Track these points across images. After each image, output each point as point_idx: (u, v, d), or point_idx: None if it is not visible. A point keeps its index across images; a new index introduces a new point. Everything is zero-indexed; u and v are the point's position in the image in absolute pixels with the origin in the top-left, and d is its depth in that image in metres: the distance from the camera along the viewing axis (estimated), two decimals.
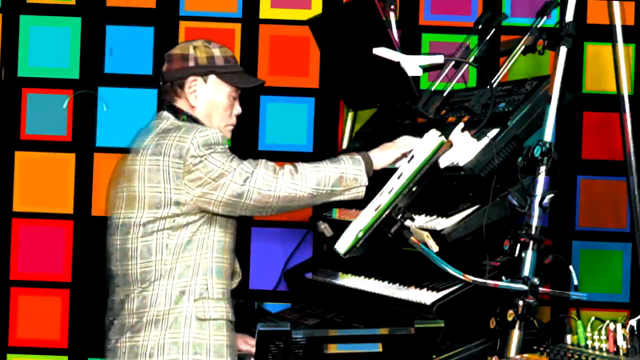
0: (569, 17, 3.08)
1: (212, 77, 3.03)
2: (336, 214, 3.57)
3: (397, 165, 3.01)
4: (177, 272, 2.87)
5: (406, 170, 2.88)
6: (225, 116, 3.06)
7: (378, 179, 2.97)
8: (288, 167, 2.90)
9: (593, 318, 2.71)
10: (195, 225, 2.88)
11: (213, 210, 2.88)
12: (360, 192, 2.94)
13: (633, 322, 2.64)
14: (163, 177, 2.85)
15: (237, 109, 3.10)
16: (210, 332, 2.88)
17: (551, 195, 2.92)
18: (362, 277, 3.37)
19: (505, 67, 3.30)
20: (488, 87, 3.19)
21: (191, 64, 3.01)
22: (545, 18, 3.30)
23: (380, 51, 3.11)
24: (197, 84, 3.02)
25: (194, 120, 2.99)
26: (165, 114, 3.01)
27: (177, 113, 3.00)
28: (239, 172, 2.85)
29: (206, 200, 2.86)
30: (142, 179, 2.88)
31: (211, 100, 3.03)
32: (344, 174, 2.92)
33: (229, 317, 2.93)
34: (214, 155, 2.85)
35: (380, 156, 3.00)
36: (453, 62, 3.45)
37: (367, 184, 2.94)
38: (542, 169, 2.95)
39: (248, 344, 3.18)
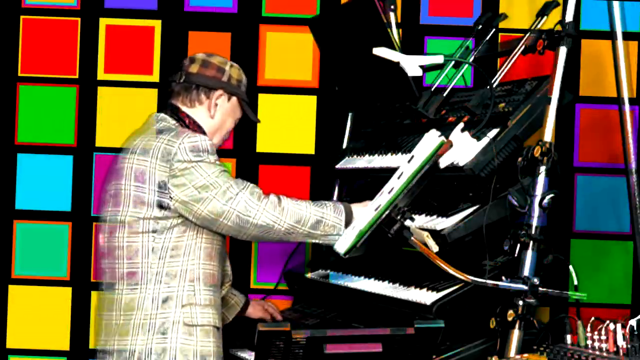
0: (569, 17, 3.08)
1: (234, 100, 3.10)
2: None
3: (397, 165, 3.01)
4: (164, 277, 2.89)
5: (406, 170, 2.88)
6: (225, 136, 3.14)
7: (378, 179, 2.96)
8: (273, 197, 2.93)
9: (593, 318, 2.71)
10: (180, 229, 2.90)
11: (192, 220, 2.90)
12: (335, 241, 2.96)
13: (633, 322, 2.64)
14: (148, 179, 2.88)
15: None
16: (198, 338, 2.89)
17: (551, 195, 2.92)
18: (362, 277, 3.37)
19: (505, 67, 3.30)
20: (488, 87, 3.19)
21: (225, 79, 3.07)
22: (545, 18, 3.31)
23: (380, 51, 3.11)
24: (223, 99, 3.07)
25: (198, 127, 3.02)
26: (162, 116, 3.03)
27: (180, 117, 3.02)
28: (224, 191, 2.88)
29: (187, 209, 2.88)
30: (128, 178, 2.91)
31: (225, 118, 3.09)
32: (324, 219, 2.96)
33: (216, 323, 2.95)
34: (202, 164, 2.88)
35: (361, 211, 2.98)
36: (453, 62, 3.45)
37: (343, 233, 2.96)
38: (542, 169, 2.96)
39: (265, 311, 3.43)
